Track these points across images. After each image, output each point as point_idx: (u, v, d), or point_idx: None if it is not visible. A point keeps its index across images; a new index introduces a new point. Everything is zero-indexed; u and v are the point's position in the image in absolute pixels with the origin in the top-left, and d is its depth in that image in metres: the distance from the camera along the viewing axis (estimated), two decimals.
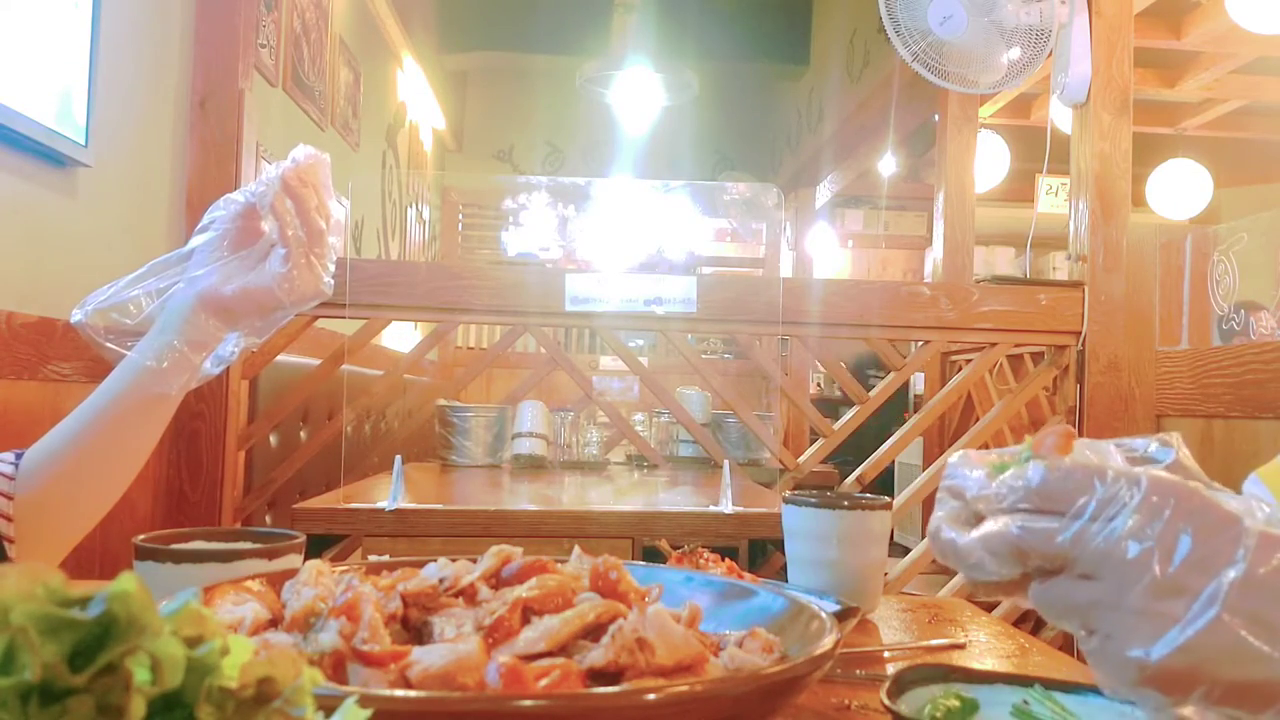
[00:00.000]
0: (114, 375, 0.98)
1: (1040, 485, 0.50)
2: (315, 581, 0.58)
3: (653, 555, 1.88)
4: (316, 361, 2.22)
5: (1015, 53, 2.25)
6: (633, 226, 4.72)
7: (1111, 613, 0.47)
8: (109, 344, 0.98)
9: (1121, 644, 0.47)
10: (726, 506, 1.84)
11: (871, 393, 2.34)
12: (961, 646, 0.90)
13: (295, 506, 1.81)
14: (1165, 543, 0.46)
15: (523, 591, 0.55)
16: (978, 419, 2.97)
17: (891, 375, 2.35)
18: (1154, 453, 0.67)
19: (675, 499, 2.18)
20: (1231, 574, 0.45)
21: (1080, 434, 0.77)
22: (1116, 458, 0.67)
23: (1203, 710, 0.47)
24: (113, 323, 0.99)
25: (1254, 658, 0.45)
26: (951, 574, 2.45)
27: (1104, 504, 0.48)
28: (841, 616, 0.79)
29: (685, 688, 0.45)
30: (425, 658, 0.47)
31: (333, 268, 0.99)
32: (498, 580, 0.59)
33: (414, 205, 5.35)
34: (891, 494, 2.30)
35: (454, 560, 0.61)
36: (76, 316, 0.98)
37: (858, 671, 0.79)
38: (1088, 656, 0.50)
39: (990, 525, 0.52)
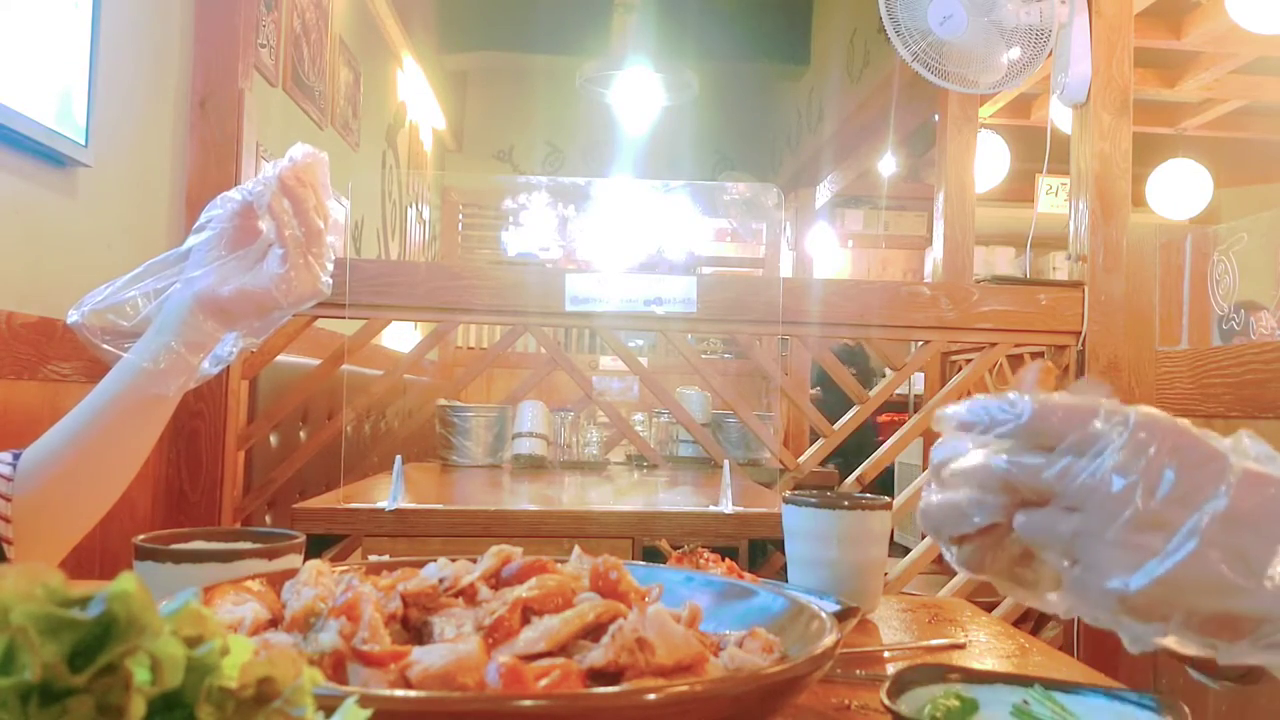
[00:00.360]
0: (111, 376, 0.98)
1: (1030, 420, 0.50)
2: (315, 581, 0.58)
3: (653, 555, 1.89)
4: (316, 361, 2.22)
5: (1015, 53, 2.25)
6: (633, 226, 4.72)
7: (1093, 543, 0.48)
8: (105, 345, 0.98)
9: (1102, 575, 0.48)
10: (726, 506, 1.84)
11: (871, 392, 2.34)
12: (961, 646, 0.90)
13: (295, 506, 1.81)
14: (1149, 477, 0.47)
15: (523, 591, 0.55)
16: None
17: (891, 375, 2.35)
18: None
19: (675, 499, 2.18)
20: (1212, 508, 0.46)
21: None
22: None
23: (1181, 639, 0.48)
24: (109, 324, 0.98)
25: (1231, 589, 0.46)
26: (951, 574, 2.45)
27: (1091, 439, 0.48)
28: (841, 616, 0.79)
29: (685, 688, 0.45)
30: (425, 658, 0.47)
31: (331, 267, 0.98)
32: (498, 580, 0.59)
33: (414, 205, 5.35)
34: (891, 494, 2.31)
35: (454, 560, 0.61)
36: (73, 317, 0.97)
37: (858, 671, 0.79)
38: (1068, 587, 0.50)
39: (976, 457, 0.53)
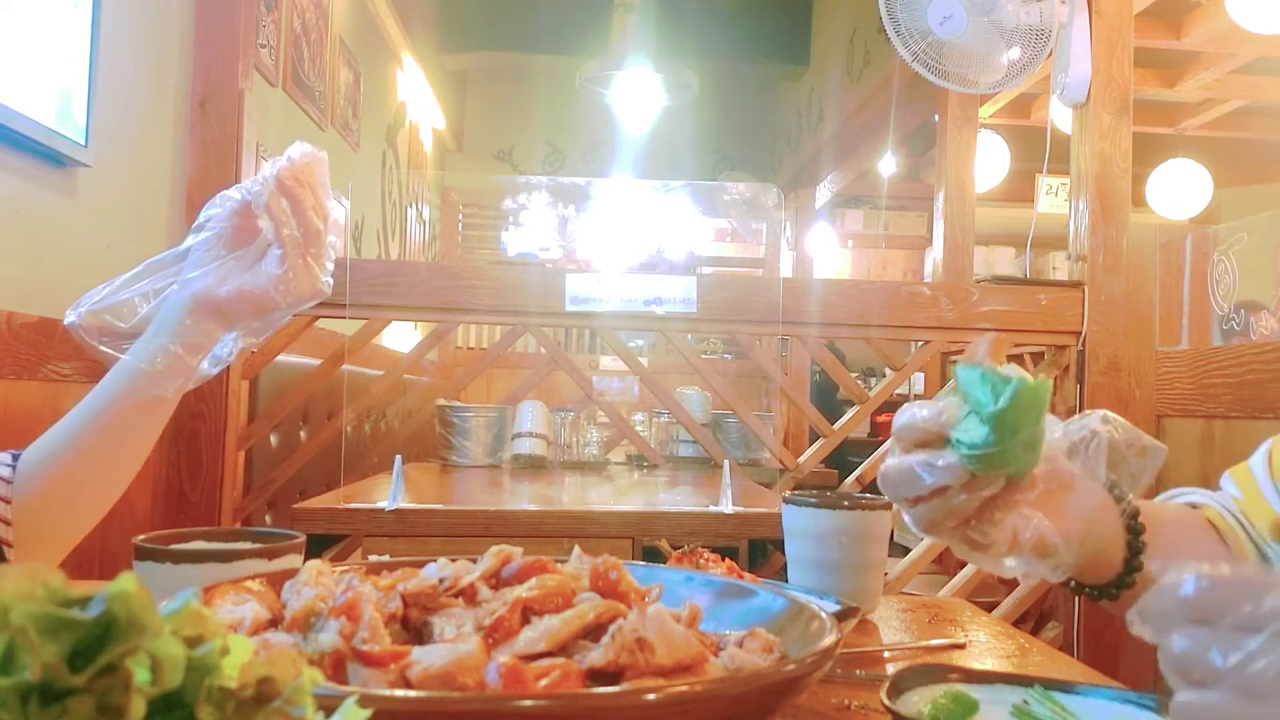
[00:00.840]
0: (109, 377, 0.97)
1: (1194, 596, 0.45)
2: (315, 581, 0.58)
3: (653, 555, 1.89)
4: (316, 361, 2.22)
5: (1015, 53, 2.25)
6: (633, 226, 4.73)
7: None
8: (103, 346, 0.97)
9: None
10: (726, 506, 1.84)
11: (872, 392, 2.34)
12: (961, 646, 0.90)
13: (295, 506, 1.81)
14: None
15: (523, 591, 0.55)
16: None
17: (891, 375, 2.35)
18: (1096, 426, 0.70)
19: (675, 499, 2.18)
20: None
21: None
22: (1059, 429, 0.69)
23: None
24: (106, 324, 0.98)
25: None
26: (951, 574, 2.45)
27: (1271, 615, 0.43)
28: (841, 616, 0.79)
29: (685, 688, 0.45)
30: (425, 658, 0.47)
31: (331, 267, 0.98)
32: (498, 580, 0.59)
33: (414, 205, 5.35)
34: None
35: (454, 560, 0.61)
36: (70, 318, 0.97)
37: (858, 671, 0.79)
38: None
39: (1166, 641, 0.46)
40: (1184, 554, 0.83)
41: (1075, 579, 0.81)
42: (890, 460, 0.67)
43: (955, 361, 0.70)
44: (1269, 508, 0.86)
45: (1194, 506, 0.91)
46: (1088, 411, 0.76)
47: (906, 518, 0.69)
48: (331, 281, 0.98)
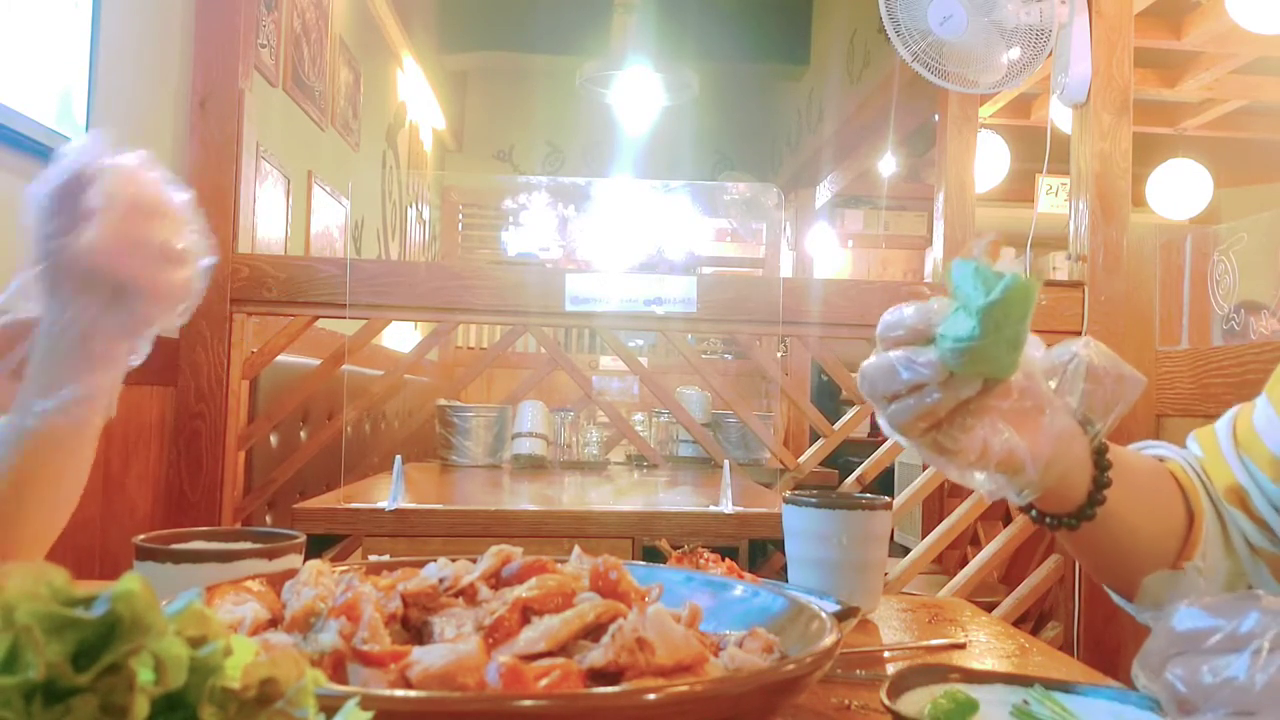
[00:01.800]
0: (12, 417, 0.84)
1: (1182, 629, 0.46)
2: (315, 581, 0.59)
3: (653, 555, 1.89)
4: (316, 361, 2.22)
5: (1015, 53, 2.25)
6: (633, 226, 4.73)
7: None
8: None
9: None
10: (726, 506, 1.84)
11: None
12: (961, 646, 0.90)
13: (295, 506, 1.81)
14: None
15: (523, 591, 0.55)
16: None
17: None
18: (1079, 352, 0.70)
19: (675, 499, 2.18)
20: None
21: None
22: (1040, 350, 0.69)
23: None
24: None
25: None
26: (951, 574, 2.45)
27: (1259, 632, 0.43)
28: (841, 616, 0.79)
29: (685, 688, 0.45)
30: (425, 658, 0.47)
31: (194, 260, 0.87)
32: (498, 580, 0.59)
33: (414, 205, 5.35)
34: (891, 494, 2.31)
35: (454, 560, 0.61)
36: None
37: (858, 671, 0.79)
38: None
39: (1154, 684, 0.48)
40: (1145, 499, 0.85)
41: (1037, 506, 0.82)
42: (871, 358, 0.67)
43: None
44: (1228, 471, 0.89)
45: (1160, 460, 0.93)
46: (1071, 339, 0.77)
47: (881, 419, 0.69)
48: (202, 269, 0.87)
